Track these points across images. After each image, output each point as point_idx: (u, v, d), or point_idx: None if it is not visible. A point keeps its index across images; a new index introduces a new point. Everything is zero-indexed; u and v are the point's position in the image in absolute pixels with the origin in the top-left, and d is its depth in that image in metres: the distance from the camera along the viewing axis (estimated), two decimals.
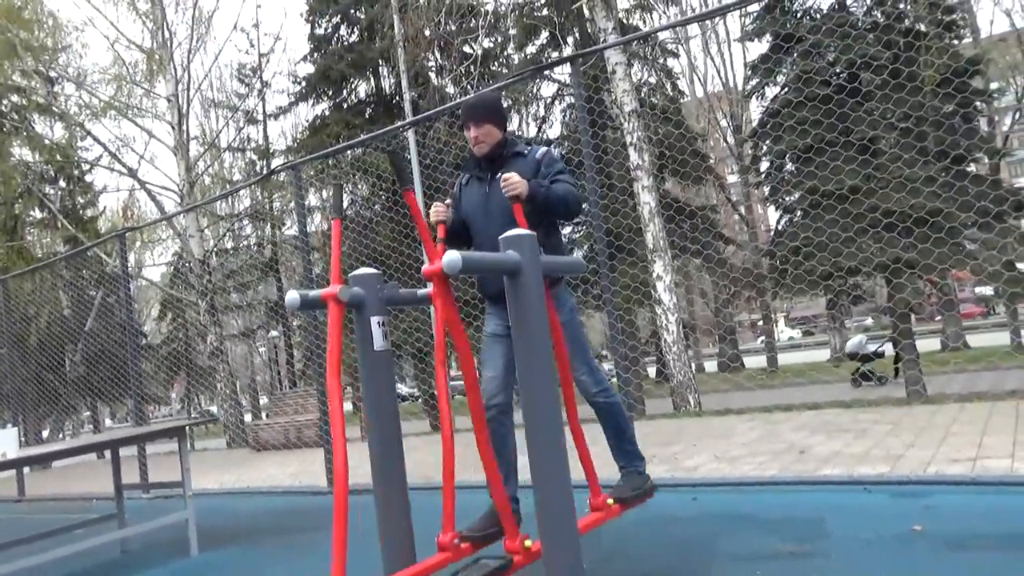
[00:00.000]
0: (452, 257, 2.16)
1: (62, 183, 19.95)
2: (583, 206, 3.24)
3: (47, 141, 18.35)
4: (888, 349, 17.86)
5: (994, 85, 22.31)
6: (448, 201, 3.17)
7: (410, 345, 14.11)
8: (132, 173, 16.72)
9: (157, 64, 15.76)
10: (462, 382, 3.09)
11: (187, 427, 4.88)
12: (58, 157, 18.11)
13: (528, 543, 2.57)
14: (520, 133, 19.10)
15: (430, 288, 2.75)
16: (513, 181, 2.80)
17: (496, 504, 2.59)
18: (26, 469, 10.57)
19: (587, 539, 2.89)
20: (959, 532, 2.96)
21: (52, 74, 17.29)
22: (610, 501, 2.92)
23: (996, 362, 15.85)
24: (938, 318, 26.59)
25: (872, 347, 17.70)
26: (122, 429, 14.59)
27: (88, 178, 20.84)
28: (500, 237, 2.41)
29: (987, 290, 28.69)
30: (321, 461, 6.35)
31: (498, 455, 2.76)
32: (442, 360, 2.36)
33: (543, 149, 3.18)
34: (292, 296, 2.61)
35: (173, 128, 15.57)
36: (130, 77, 16.41)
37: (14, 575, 3.77)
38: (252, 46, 32.64)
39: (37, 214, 19.66)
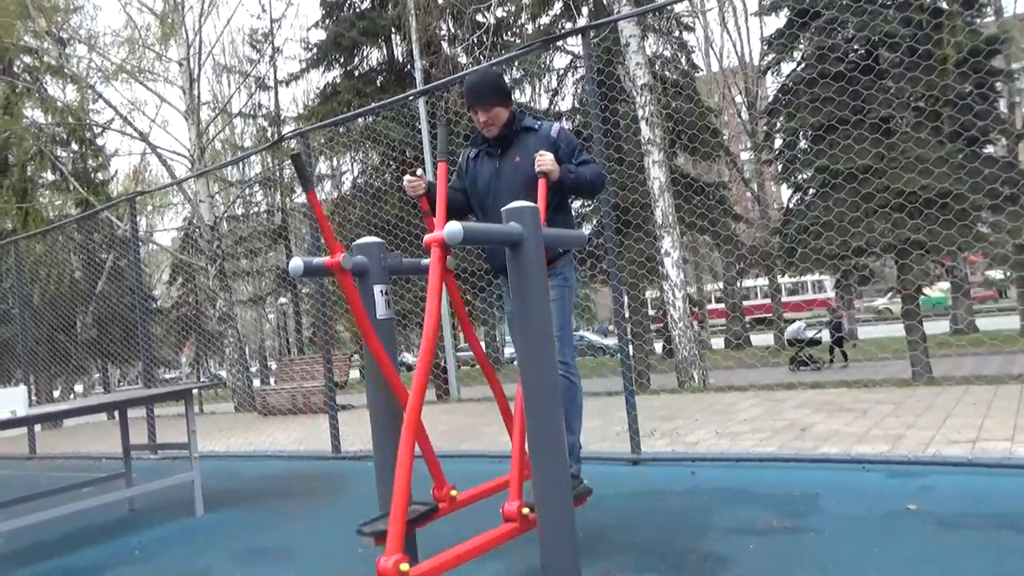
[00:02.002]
0: (454, 227, 2.17)
1: (74, 146, 19.98)
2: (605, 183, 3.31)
3: (59, 103, 18.35)
4: (825, 336, 18.47)
5: (1016, 65, 21.90)
6: (420, 172, 3.18)
7: (416, 315, 14.17)
8: (143, 137, 16.71)
9: (169, 27, 15.67)
10: (470, 352, 3.13)
11: (194, 390, 4.95)
12: (70, 119, 18.11)
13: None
14: (532, 104, 18.95)
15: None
16: (548, 159, 2.92)
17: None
18: (37, 428, 10.75)
19: (581, 510, 2.93)
20: (952, 512, 2.98)
21: (64, 35, 17.23)
22: (525, 511, 2.51)
23: (999, 345, 15.83)
24: (948, 303, 26.45)
25: (809, 334, 18.21)
26: (131, 391, 14.76)
27: (100, 141, 20.87)
28: (503, 209, 2.42)
29: (998, 274, 28.52)
30: (326, 427, 6.43)
31: None
32: (433, 327, 2.37)
33: (557, 126, 3.19)
34: (295, 263, 2.63)
35: (184, 93, 15.53)
36: (142, 40, 16.35)
37: (25, 530, 3.86)
38: (264, 11, 32.63)
39: (49, 176, 19.73)
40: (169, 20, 15.44)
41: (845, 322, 18.82)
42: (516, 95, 17.61)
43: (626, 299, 15.56)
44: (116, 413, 7.01)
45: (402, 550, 2.04)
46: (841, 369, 16.76)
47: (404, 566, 1.99)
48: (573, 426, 3.04)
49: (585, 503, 3.04)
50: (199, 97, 15.96)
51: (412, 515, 2.58)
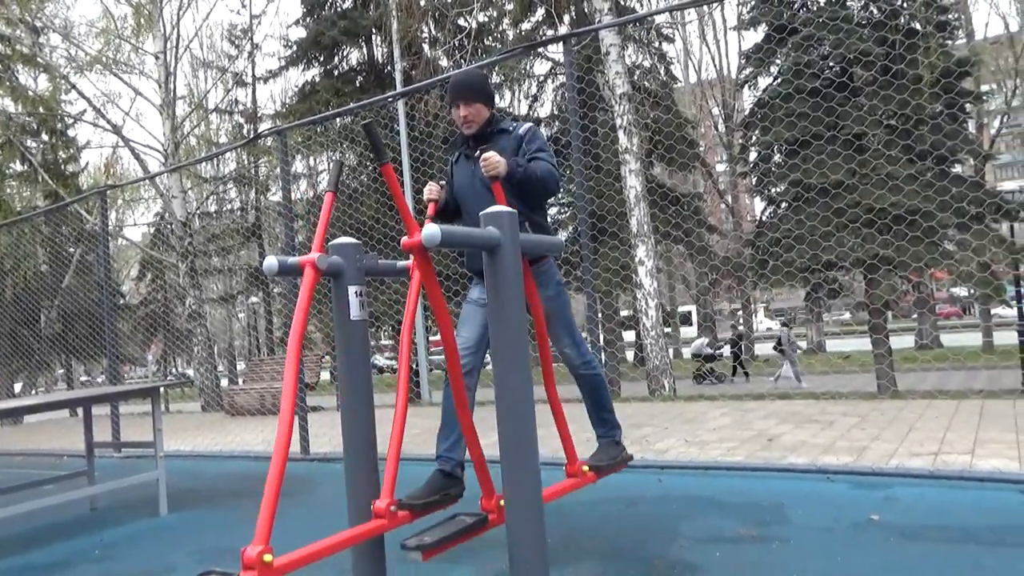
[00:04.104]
0: (431, 230, 2.17)
1: (44, 136, 19.61)
2: (560, 184, 3.23)
3: (30, 92, 18.01)
4: (726, 351, 19.81)
5: (985, 88, 22.46)
6: (443, 182, 3.18)
7: (390, 317, 14.12)
8: (116, 130, 16.47)
9: (146, 19, 15.47)
10: (443, 356, 3.14)
11: (160, 388, 4.88)
12: (41, 109, 17.78)
13: (504, 503, 2.54)
14: (511, 110, 19.00)
15: (410, 260, 2.76)
16: (492, 161, 2.79)
17: (474, 463, 2.63)
18: None
19: (551, 515, 2.94)
20: (914, 524, 3.04)
21: (38, 24, 16.93)
22: (585, 468, 2.97)
23: (962, 361, 16.20)
24: (914, 316, 27.05)
25: (710, 350, 19.22)
26: (95, 387, 14.50)
27: (71, 133, 20.52)
28: (480, 213, 2.42)
29: (963, 291, 29.27)
30: (295, 428, 6.37)
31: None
32: (409, 328, 2.36)
33: (527, 126, 3.18)
34: (270, 261, 2.61)
35: (160, 86, 15.33)
36: (118, 31, 16.13)
37: None
38: (244, 6, 32.33)
39: (17, 167, 19.35)
40: (146, 12, 15.24)
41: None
42: (496, 99, 17.67)
43: (600, 307, 15.63)
44: (80, 410, 6.88)
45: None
46: (742, 384, 17.62)
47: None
48: (607, 402, 3.29)
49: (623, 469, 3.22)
50: (175, 91, 15.77)
51: (459, 527, 2.49)
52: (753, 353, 27.50)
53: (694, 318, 34.62)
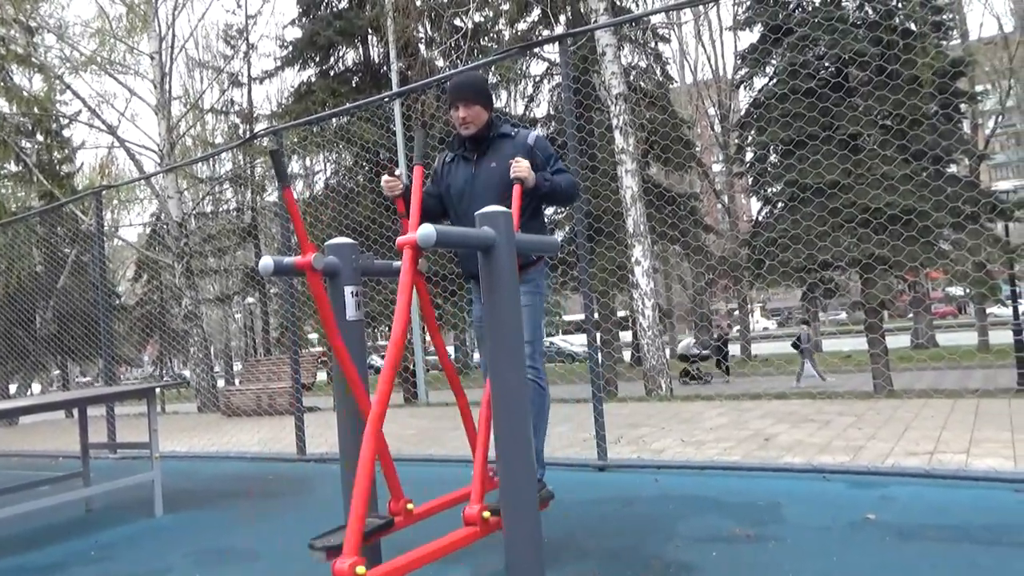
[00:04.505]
0: (427, 230, 2.16)
1: (39, 137, 19.56)
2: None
3: (25, 93, 17.94)
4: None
5: (979, 88, 22.53)
6: (398, 172, 3.18)
7: (386, 317, 14.10)
8: (112, 130, 16.42)
9: (141, 19, 15.43)
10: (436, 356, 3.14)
11: (156, 389, 4.86)
12: (36, 110, 17.73)
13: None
14: (507, 110, 18.99)
15: None
16: (524, 165, 2.90)
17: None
18: None
19: (547, 515, 2.94)
20: (910, 523, 3.04)
21: (32, 24, 16.87)
22: (486, 514, 2.47)
23: (957, 360, 16.25)
24: (910, 315, 27.13)
25: (697, 350, 19.91)
26: (91, 388, 14.46)
27: (66, 133, 20.47)
28: (476, 213, 2.42)
29: (958, 290, 29.34)
30: (291, 428, 6.36)
31: None
32: (401, 331, 2.35)
33: (533, 133, 3.20)
34: (266, 262, 2.60)
35: (155, 87, 15.30)
36: (113, 31, 16.08)
37: None
38: (239, 6, 32.28)
39: (12, 167, 19.29)
40: (141, 10, 15.19)
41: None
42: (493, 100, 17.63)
43: (596, 307, 15.64)
44: (75, 411, 6.89)
45: (359, 553, 2.02)
46: (723, 384, 18.21)
47: (360, 569, 1.98)
48: (539, 432, 3.06)
49: (548, 508, 3.04)
50: (170, 92, 15.73)
51: (366, 528, 2.41)
52: (750, 352, 27.63)
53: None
